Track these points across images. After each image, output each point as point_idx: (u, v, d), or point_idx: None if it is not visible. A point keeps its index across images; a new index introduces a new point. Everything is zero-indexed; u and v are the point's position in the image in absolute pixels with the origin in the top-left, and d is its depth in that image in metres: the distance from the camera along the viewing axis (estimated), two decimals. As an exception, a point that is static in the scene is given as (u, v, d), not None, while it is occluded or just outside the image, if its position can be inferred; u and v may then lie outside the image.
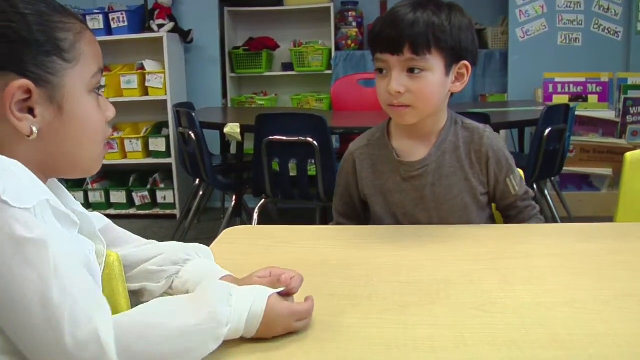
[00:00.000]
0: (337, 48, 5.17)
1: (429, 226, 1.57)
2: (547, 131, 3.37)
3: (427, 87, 1.45)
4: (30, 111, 0.85)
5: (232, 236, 1.56)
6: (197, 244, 1.16)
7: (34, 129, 0.85)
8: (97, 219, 1.09)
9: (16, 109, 0.83)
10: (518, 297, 1.11)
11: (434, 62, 1.45)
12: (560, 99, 4.51)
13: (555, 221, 3.86)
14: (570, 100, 4.51)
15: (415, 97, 1.46)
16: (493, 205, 1.69)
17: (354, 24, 5.19)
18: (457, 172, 1.58)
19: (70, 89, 0.88)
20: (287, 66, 5.33)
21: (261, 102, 5.29)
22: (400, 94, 1.45)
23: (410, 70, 1.45)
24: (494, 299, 1.10)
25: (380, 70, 1.50)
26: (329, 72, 5.13)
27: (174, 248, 1.14)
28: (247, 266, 1.31)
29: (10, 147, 0.85)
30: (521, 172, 1.72)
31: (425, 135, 1.58)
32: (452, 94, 1.56)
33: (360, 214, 1.70)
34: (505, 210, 1.67)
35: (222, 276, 1.09)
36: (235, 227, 1.65)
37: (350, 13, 5.19)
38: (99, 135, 0.94)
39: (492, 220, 1.69)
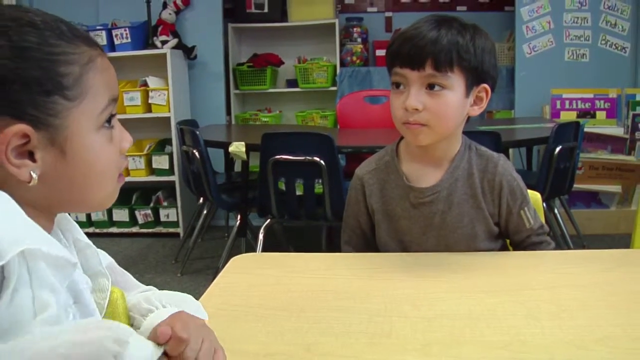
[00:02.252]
0: (342, 64, 5.14)
1: (446, 254, 1.50)
2: (557, 149, 3.32)
3: (446, 106, 1.39)
4: (30, 155, 0.76)
5: (240, 265, 1.50)
6: (183, 295, 1.02)
7: (34, 174, 0.76)
8: (101, 256, 1.02)
9: (13, 155, 0.74)
10: (547, 334, 1.04)
11: (455, 81, 1.39)
12: (568, 116, 4.46)
13: (564, 239, 3.81)
14: (578, 116, 4.46)
15: (432, 115, 1.39)
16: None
17: (359, 40, 5.16)
18: (469, 200, 1.51)
19: (74, 130, 0.78)
20: (292, 82, 5.29)
21: (265, 119, 5.25)
22: (417, 111, 1.39)
23: (430, 87, 1.39)
24: (521, 336, 1.04)
25: (397, 86, 1.44)
26: (334, 88, 5.09)
27: (147, 298, 1.02)
28: (257, 299, 1.26)
29: (13, 190, 0.76)
30: (537, 196, 1.66)
31: (437, 160, 1.52)
32: (468, 119, 1.50)
33: (367, 242, 1.63)
34: (518, 246, 1.59)
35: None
36: (243, 254, 1.58)
37: (355, 29, 5.16)
38: (110, 173, 0.85)
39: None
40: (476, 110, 1.46)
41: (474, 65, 1.40)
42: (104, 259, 1.00)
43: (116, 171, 0.86)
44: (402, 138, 1.57)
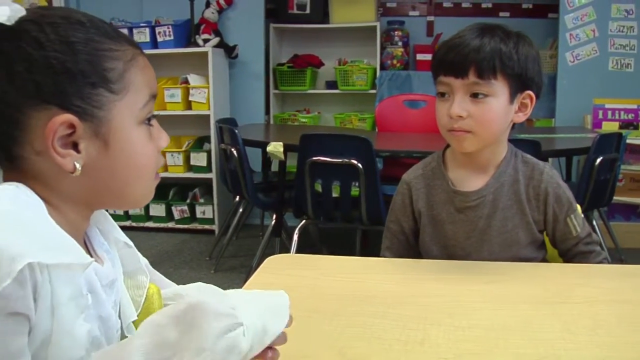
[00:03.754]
0: (382, 67, 5.12)
1: (482, 262, 1.50)
2: (598, 160, 3.27)
3: (490, 112, 1.41)
4: (74, 146, 0.79)
5: (274, 265, 1.50)
6: (221, 291, 1.04)
7: (78, 165, 0.78)
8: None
9: (59, 144, 0.77)
10: (582, 349, 1.03)
11: (499, 88, 1.40)
12: (610, 126, 4.39)
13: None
14: (621, 127, 4.38)
15: (476, 122, 1.41)
16: (554, 251, 1.61)
17: (400, 43, 5.14)
18: (514, 206, 1.52)
19: (117, 123, 0.81)
20: (331, 84, 5.30)
21: (304, 120, 5.27)
22: (462, 118, 1.41)
23: (474, 95, 1.40)
24: (556, 350, 1.03)
25: (442, 94, 1.46)
26: (373, 91, 5.08)
27: (194, 288, 1.04)
28: (291, 300, 1.26)
29: (53, 183, 0.80)
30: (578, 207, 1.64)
31: (483, 167, 1.53)
32: (513, 126, 1.50)
33: (408, 249, 1.63)
34: (566, 255, 1.58)
35: None
36: (279, 255, 1.60)
37: (396, 32, 5.14)
38: (149, 169, 0.87)
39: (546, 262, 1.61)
40: (521, 117, 1.47)
41: (517, 72, 1.41)
42: (141, 259, 1.02)
43: (154, 168, 0.88)
44: (448, 145, 1.58)
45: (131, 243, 0.97)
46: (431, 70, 1.49)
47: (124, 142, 0.82)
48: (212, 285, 1.01)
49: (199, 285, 1.03)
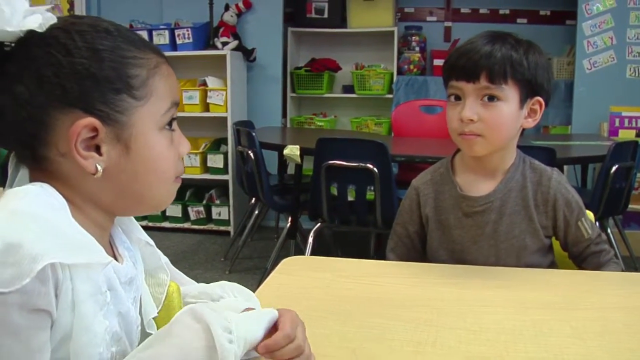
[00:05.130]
0: (399, 72, 5.15)
1: (493, 267, 1.52)
2: (614, 168, 3.27)
3: (500, 116, 1.44)
4: (97, 149, 0.82)
5: (290, 267, 1.54)
6: (245, 289, 1.08)
7: (99, 167, 0.82)
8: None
9: (82, 147, 0.80)
10: (591, 354, 1.05)
11: (509, 93, 1.44)
12: (626, 134, 4.38)
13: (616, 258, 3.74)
14: (637, 135, 4.37)
15: (487, 126, 1.44)
16: (562, 255, 1.64)
17: (417, 48, 5.16)
18: (521, 212, 1.54)
19: (139, 128, 0.84)
20: (348, 88, 5.33)
21: (320, 123, 5.30)
22: (472, 122, 1.44)
23: (485, 99, 1.44)
24: (565, 355, 1.05)
25: (453, 98, 1.49)
26: (390, 96, 5.10)
27: (216, 286, 1.09)
28: (306, 301, 1.30)
29: (76, 184, 0.83)
30: (590, 214, 1.66)
31: (492, 172, 1.55)
32: (522, 131, 1.53)
33: (412, 251, 1.67)
34: (579, 257, 1.61)
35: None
36: (295, 257, 1.63)
37: (413, 37, 5.17)
38: (169, 174, 0.90)
39: (554, 267, 1.63)
40: (530, 123, 1.50)
41: (527, 78, 1.44)
42: (162, 257, 1.05)
43: (174, 173, 0.91)
44: (457, 151, 1.61)
45: (152, 242, 1.01)
46: (442, 75, 1.53)
47: (145, 146, 0.85)
48: (235, 284, 1.05)
49: (223, 283, 1.06)
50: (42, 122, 0.79)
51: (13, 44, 0.79)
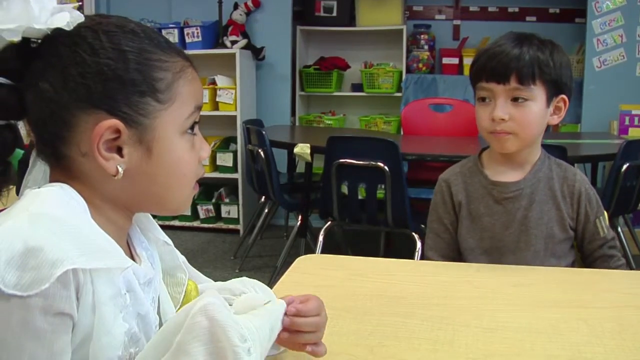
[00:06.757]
0: (408, 71, 5.14)
1: (510, 266, 1.53)
2: (624, 167, 3.26)
3: (530, 115, 1.52)
4: (119, 150, 0.82)
5: (305, 265, 1.54)
6: (266, 287, 1.07)
7: (120, 169, 0.81)
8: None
9: (104, 148, 0.80)
10: (609, 352, 1.05)
11: (537, 93, 1.51)
12: (636, 132, 4.36)
13: (627, 259, 3.73)
14: (648, 134, 4.36)
15: (517, 124, 1.52)
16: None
17: (426, 47, 5.15)
18: (549, 201, 1.60)
19: (161, 131, 0.84)
20: (357, 87, 5.33)
21: (329, 122, 5.30)
22: (504, 121, 1.52)
23: (515, 99, 1.51)
24: (583, 353, 1.05)
25: (482, 99, 1.56)
26: (399, 94, 5.10)
27: (237, 282, 1.08)
28: (322, 298, 1.29)
29: (97, 184, 0.83)
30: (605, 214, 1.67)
31: (520, 165, 1.62)
32: (547, 128, 1.59)
33: (453, 246, 1.69)
34: (590, 256, 1.64)
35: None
36: (308, 255, 1.63)
37: (422, 36, 5.16)
38: (189, 178, 0.90)
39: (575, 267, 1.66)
40: (555, 119, 1.59)
41: (553, 78, 1.52)
42: (179, 256, 1.05)
43: (194, 177, 0.91)
44: (483, 149, 1.67)
45: (170, 241, 1.01)
46: (470, 77, 1.59)
47: (166, 150, 0.85)
48: (256, 281, 1.05)
49: (244, 279, 1.06)
50: (65, 120, 0.79)
51: (39, 41, 0.79)
